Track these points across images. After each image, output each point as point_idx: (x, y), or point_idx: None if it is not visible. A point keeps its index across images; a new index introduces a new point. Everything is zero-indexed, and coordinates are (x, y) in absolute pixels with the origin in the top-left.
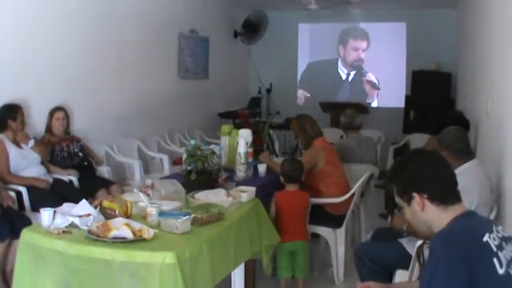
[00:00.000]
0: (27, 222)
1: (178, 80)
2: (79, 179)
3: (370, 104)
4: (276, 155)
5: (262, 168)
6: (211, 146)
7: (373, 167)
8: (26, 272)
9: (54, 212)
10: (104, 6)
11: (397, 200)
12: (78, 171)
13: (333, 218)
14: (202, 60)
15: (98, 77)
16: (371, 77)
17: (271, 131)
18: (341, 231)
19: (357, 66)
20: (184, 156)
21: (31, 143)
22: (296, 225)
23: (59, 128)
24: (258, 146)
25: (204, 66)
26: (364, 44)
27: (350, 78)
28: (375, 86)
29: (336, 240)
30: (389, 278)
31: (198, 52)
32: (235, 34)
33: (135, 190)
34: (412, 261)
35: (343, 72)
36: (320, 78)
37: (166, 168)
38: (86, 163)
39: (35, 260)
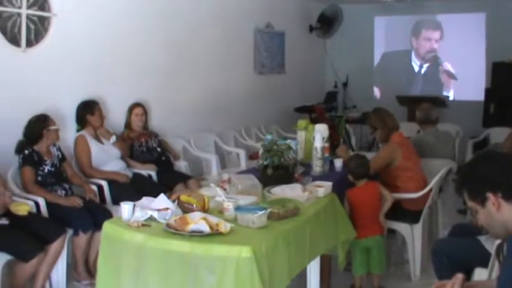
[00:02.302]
0: (108, 215)
1: (254, 75)
2: (157, 174)
3: (448, 97)
4: (353, 150)
5: (338, 163)
6: (288, 141)
7: (451, 162)
8: (107, 262)
9: (134, 205)
10: (180, 4)
11: (470, 204)
12: (156, 166)
13: (410, 214)
14: (278, 55)
15: (175, 73)
16: (448, 66)
17: (347, 126)
18: (418, 227)
19: (431, 58)
20: (261, 151)
21: (113, 139)
22: (370, 220)
23: (137, 123)
24: (334, 141)
25: (280, 61)
26: (436, 34)
27: (423, 70)
28: (451, 76)
29: (412, 236)
30: (467, 276)
31: (274, 47)
32: (311, 28)
33: (212, 185)
34: (491, 260)
35: (416, 64)
36: (394, 70)
37: (243, 163)
38: (164, 158)
39: (116, 251)
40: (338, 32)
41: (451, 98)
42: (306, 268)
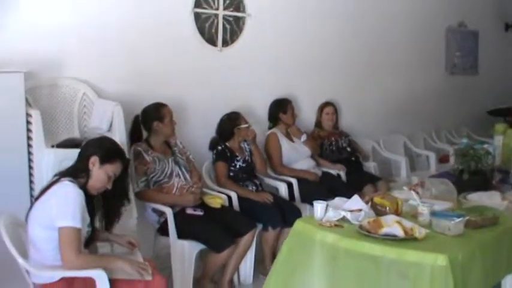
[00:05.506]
0: (297, 212)
1: (446, 76)
2: (346, 174)
3: None
4: None
5: None
6: (485, 146)
7: None
8: (290, 257)
9: (327, 205)
10: (371, 7)
11: None
12: (345, 166)
13: None
14: (470, 55)
15: (365, 74)
16: None
17: None
18: None
19: None
20: (452, 154)
21: (303, 137)
22: None
23: (328, 122)
24: None
25: (472, 61)
26: None
27: None
28: None
29: None
30: None
31: (467, 46)
32: (507, 27)
33: (404, 188)
34: None
35: None
36: None
37: (433, 166)
38: (353, 158)
39: (304, 248)
40: None
41: None
42: (499, 283)
